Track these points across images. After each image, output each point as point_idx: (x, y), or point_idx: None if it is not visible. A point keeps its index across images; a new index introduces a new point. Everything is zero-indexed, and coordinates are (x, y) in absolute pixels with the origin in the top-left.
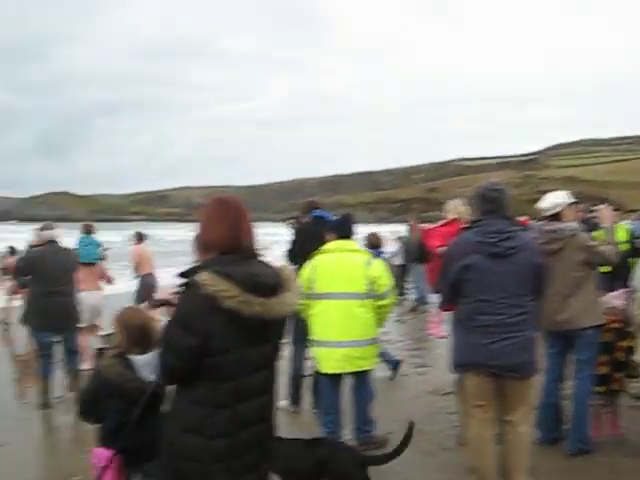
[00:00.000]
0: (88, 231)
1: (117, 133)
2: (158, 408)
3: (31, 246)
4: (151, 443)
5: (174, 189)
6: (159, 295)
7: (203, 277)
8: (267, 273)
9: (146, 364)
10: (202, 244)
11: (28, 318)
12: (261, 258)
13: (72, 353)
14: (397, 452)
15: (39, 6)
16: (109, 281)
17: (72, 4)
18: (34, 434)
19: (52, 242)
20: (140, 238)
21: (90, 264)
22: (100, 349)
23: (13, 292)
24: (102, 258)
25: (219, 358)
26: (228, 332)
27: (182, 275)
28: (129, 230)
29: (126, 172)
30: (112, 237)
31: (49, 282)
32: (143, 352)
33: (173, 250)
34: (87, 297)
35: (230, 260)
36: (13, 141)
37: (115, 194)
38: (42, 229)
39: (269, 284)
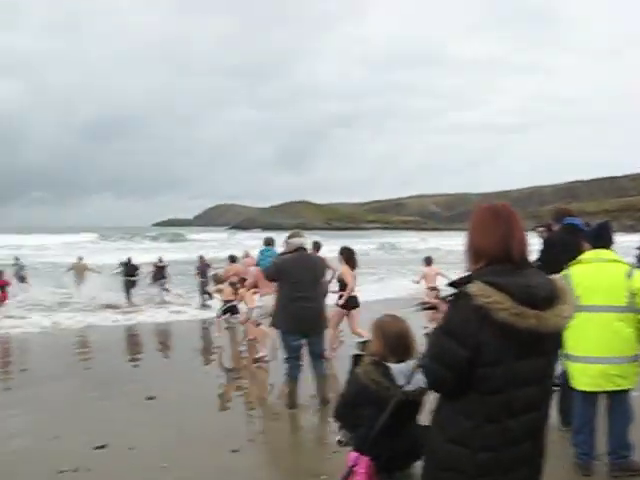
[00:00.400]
0: (268, 243)
1: (354, 143)
2: (415, 417)
3: (281, 253)
4: (406, 452)
5: (410, 197)
6: (428, 298)
7: (474, 288)
8: (541, 284)
9: (402, 373)
10: (472, 253)
11: (277, 322)
12: (534, 268)
13: (318, 357)
14: None
15: (279, 25)
16: None
17: (310, 21)
18: (283, 432)
19: (301, 249)
20: (317, 247)
21: None
22: (356, 355)
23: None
24: None
25: (489, 370)
26: (499, 344)
27: (452, 285)
28: (365, 238)
29: (363, 181)
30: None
31: (298, 288)
32: (400, 360)
33: (409, 258)
34: (268, 300)
35: (502, 270)
36: (255, 154)
37: (351, 202)
38: (291, 237)
39: (544, 296)
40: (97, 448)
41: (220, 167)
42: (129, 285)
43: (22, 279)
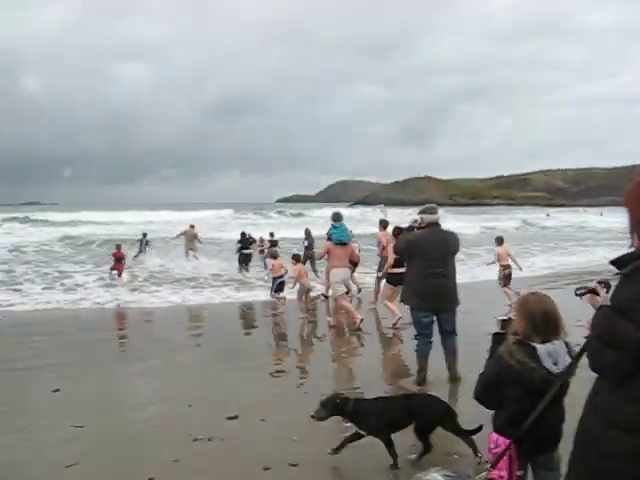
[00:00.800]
0: (338, 219)
1: (478, 118)
2: (561, 401)
3: (408, 228)
4: (548, 436)
5: (535, 172)
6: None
7: None
8: None
9: (549, 353)
10: (637, 230)
11: (408, 297)
12: None
13: (449, 333)
14: None
15: (404, 2)
16: (358, 260)
17: None
18: None
19: (434, 225)
20: (384, 225)
21: (343, 244)
22: (497, 334)
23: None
24: (351, 240)
25: None
26: None
27: (615, 263)
28: (489, 214)
29: (487, 156)
30: (468, 223)
31: (430, 264)
32: (546, 340)
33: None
34: (338, 273)
35: None
36: (378, 130)
37: (475, 178)
38: (424, 212)
39: None
40: (230, 419)
41: (344, 144)
42: (244, 259)
43: (141, 252)
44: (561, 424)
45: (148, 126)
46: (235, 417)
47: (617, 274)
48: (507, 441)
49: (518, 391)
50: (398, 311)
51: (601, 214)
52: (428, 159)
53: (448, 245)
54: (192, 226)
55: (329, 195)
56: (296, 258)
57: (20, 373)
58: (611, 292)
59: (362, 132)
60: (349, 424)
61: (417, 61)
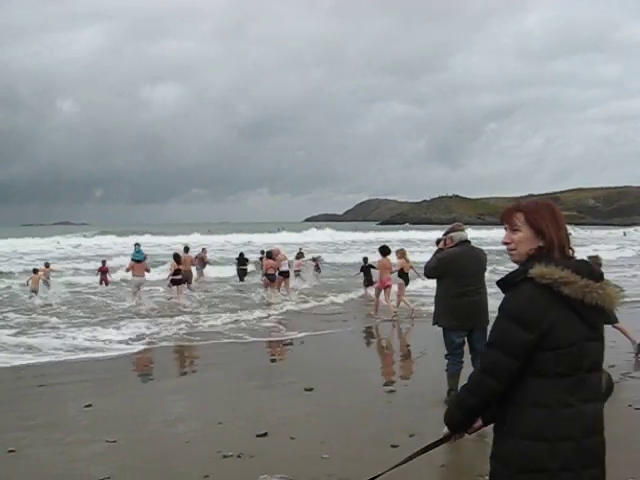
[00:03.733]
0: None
1: (508, 137)
2: None
3: (438, 250)
4: None
5: (565, 191)
6: None
7: (537, 270)
8: (591, 265)
9: None
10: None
11: (440, 318)
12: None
13: (480, 352)
14: None
15: (433, 22)
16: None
17: (465, 16)
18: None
19: (465, 242)
20: (384, 253)
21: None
22: None
23: None
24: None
25: (562, 351)
26: (570, 322)
27: (502, 281)
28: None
29: (516, 175)
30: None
31: (465, 281)
32: None
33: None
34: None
35: (555, 258)
36: (408, 149)
37: (504, 197)
38: (452, 231)
39: (600, 273)
40: (259, 436)
41: (373, 162)
42: (242, 273)
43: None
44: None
45: (179, 146)
46: (265, 434)
47: (512, 282)
48: None
49: None
50: None
51: (624, 234)
52: (457, 178)
53: (480, 262)
54: (204, 249)
55: (357, 214)
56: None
57: (52, 388)
58: (501, 302)
59: (391, 151)
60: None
61: (448, 79)
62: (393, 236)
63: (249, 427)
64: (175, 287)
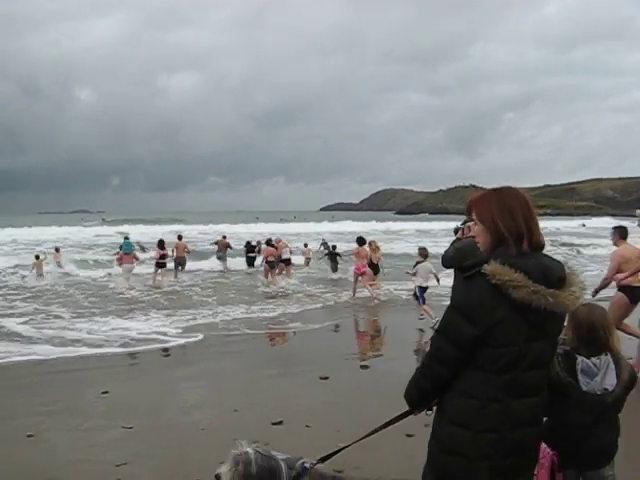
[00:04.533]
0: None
1: (526, 126)
2: (609, 417)
3: (455, 240)
4: (597, 451)
5: (583, 182)
6: None
7: (491, 267)
8: (555, 265)
9: (588, 367)
10: (488, 237)
11: None
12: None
13: None
14: None
15: (453, 12)
16: None
17: (484, 6)
18: None
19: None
20: (361, 243)
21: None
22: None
23: None
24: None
25: (499, 350)
26: (513, 324)
27: (461, 268)
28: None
29: (534, 165)
30: None
31: None
32: (592, 354)
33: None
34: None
35: (518, 253)
36: (425, 139)
37: (521, 187)
38: (469, 220)
39: (559, 276)
40: (275, 424)
41: (390, 152)
42: (249, 260)
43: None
44: (613, 440)
45: (196, 135)
46: (280, 422)
47: (464, 277)
48: (550, 452)
49: (559, 403)
50: None
51: (583, 225)
52: (474, 168)
53: None
54: (224, 236)
55: (373, 203)
56: None
57: (70, 375)
58: (451, 291)
59: (408, 140)
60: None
61: (466, 68)
62: (411, 226)
63: (264, 415)
64: (159, 269)
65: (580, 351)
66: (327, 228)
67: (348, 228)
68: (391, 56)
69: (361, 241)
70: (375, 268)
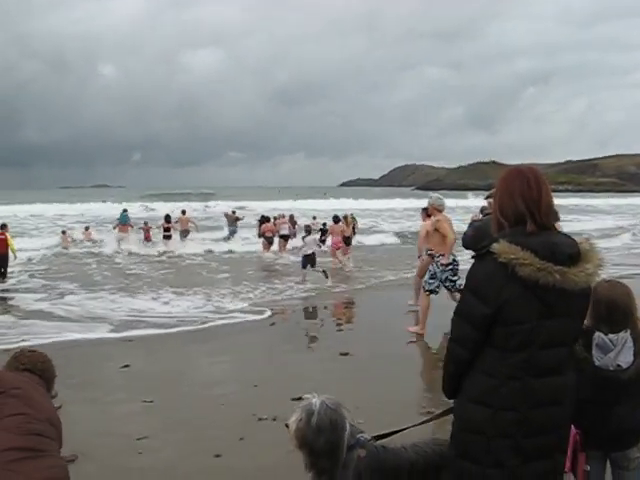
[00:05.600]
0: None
1: (547, 102)
2: (635, 397)
3: (486, 213)
4: (620, 432)
5: (605, 157)
6: None
7: (498, 246)
8: (566, 242)
9: (604, 343)
10: (497, 215)
11: None
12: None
13: None
14: None
15: None
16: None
17: None
18: None
19: None
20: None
21: None
22: None
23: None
24: None
25: (513, 328)
26: (524, 302)
27: (474, 248)
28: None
29: (555, 141)
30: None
31: None
32: (612, 331)
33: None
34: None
35: (527, 231)
36: (445, 115)
37: (543, 163)
38: (490, 197)
39: (569, 253)
40: (294, 399)
41: (410, 128)
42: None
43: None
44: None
45: (217, 111)
46: (300, 398)
47: (472, 257)
48: (572, 431)
49: (578, 380)
50: None
51: None
52: (494, 144)
53: None
54: (234, 211)
55: (392, 179)
56: None
57: (90, 349)
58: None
59: (429, 116)
60: None
61: (486, 44)
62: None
63: (284, 390)
64: (166, 241)
65: (600, 327)
66: (348, 205)
67: (367, 205)
68: (410, 34)
69: (336, 219)
70: (348, 241)
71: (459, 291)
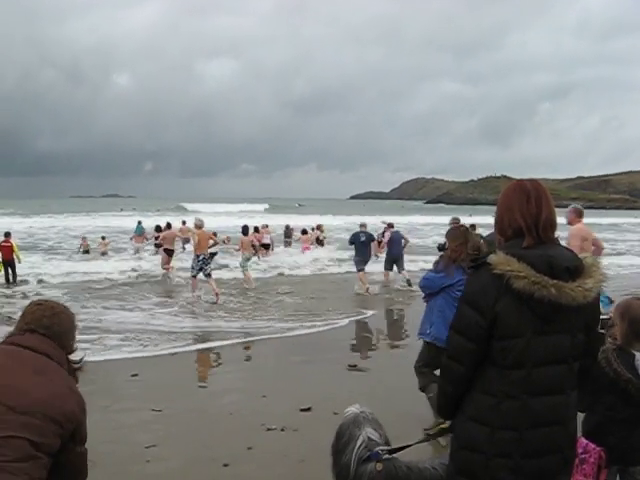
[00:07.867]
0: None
1: (562, 117)
2: None
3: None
4: None
5: (617, 174)
6: None
7: (494, 258)
8: (565, 256)
9: None
10: (497, 227)
11: None
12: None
13: None
14: None
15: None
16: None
17: None
18: None
19: None
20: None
21: None
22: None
23: None
24: None
25: (507, 343)
26: (518, 316)
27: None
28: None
29: (568, 156)
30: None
31: None
32: None
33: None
34: None
35: (525, 244)
36: (458, 128)
37: (554, 179)
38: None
39: (567, 266)
40: (303, 410)
41: (422, 141)
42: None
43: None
44: None
45: (230, 122)
46: (308, 409)
47: (469, 268)
48: (597, 448)
49: (610, 399)
50: None
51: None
52: (507, 158)
53: None
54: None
55: (403, 192)
56: None
57: (98, 356)
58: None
59: (441, 130)
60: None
61: (502, 58)
62: (434, 220)
63: (293, 401)
64: (158, 249)
65: (635, 346)
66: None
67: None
68: (429, 46)
69: (304, 231)
70: (321, 243)
71: None
